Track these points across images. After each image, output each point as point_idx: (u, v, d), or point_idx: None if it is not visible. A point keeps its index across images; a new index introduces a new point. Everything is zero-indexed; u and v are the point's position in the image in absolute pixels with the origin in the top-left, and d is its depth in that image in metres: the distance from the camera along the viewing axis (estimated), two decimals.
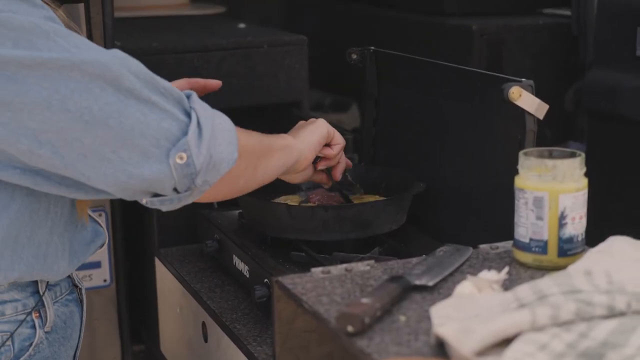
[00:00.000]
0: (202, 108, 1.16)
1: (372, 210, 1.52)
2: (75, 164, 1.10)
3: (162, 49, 2.06)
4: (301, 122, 1.47)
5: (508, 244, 1.21)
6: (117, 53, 1.12)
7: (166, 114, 1.11)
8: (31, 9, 1.10)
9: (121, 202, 1.72)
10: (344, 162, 1.53)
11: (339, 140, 1.48)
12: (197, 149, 1.13)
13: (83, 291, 1.38)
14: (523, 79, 1.33)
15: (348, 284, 1.10)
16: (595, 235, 1.18)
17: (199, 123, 1.14)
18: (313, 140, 1.41)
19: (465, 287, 1.03)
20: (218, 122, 1.17)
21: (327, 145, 1.47)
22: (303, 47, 2.17)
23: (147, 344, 2.03)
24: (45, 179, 1.14)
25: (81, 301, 1.36)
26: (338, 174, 1.52)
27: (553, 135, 2.19)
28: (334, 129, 1.48)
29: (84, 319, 1.36)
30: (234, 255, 1.53)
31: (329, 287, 1.09)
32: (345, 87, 2.73)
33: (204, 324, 1.51)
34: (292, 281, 1.11)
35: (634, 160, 2.01)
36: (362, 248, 1.50)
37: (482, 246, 1.22)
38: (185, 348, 1.66)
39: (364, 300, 1.00)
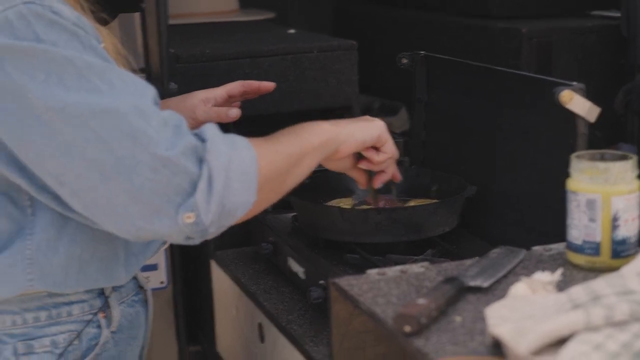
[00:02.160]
0: (216, 155, 1.14)
1: (424, 213, 1.55)
2: (91, 209, 1.14)
3: (214, 56, 2.09)
4: (366, 117, 1.45)
5: (561, 246, 1.23)
6: (143, 102, 1.13)
7: (178, 169, 1.11)
8: (71, 41, 1.13)
9: None
10: (389, 173, 1.49)
11: (389, 150, 1.43)
12: (206, 205, 1.12)
13: (148, 292, 1.42)
14: (574, 82, 1.34)
15: (404, 285, 1.13)
16: None
17: (210, 177, 1.13)
18: (357, 137, 1.37)
19: (520, 289, 1.05)
20: (235, 167, 1.15)
21: (376, 149, 1.44)
22: (352, 52, 2.19)
23: (203, 344, 2.07)
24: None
25: (146, 302, 1.40)
26: (378, 182, 1.49)
27: (603, 137, 2.19)
28: (389, 137, 1.44)
29: (150, 319, 1.40)
30: (288, 258, 1.57)
31: (385, 288, 1.12)
32: (394, 91, 2.74)
33: (260, 325, 1.55)
34: (349, 283, 1.14)
35: None
36: (414, 250, 1.52)
37: (535, 248, 1.24)
38: (241, 348, 1.69)
39: (420, 301, 1.02)
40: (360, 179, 1.49)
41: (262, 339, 1.55)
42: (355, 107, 2.23)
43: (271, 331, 1.50)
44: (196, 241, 1.17)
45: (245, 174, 1.16)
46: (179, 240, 1.16)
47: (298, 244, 1.58)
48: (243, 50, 2.13)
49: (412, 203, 1.67)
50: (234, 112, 1.57)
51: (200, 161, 1.13)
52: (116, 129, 1.10)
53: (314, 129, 1.32)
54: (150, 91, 1.16)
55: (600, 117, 1.39)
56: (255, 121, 2.20)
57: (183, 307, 2.06)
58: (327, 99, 2.19)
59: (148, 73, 1.92)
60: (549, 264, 1.19)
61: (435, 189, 1.70)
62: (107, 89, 1.11)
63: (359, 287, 1.12)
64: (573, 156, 1.17)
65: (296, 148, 1.28)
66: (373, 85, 2.77)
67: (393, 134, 2.05)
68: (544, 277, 1.08)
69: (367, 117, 1.45)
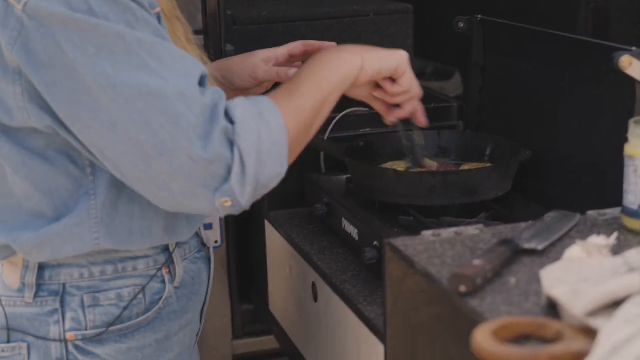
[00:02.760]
0: (246, 136, 1.15)
1: (479, 176, 1.55)
2: (133, 182, 1.17)
3: (271, 18, 2.11)
4: (389, 50, 1.41)
5: (616, 211, 1.23)
6: (189, 84, 1.15)
7: (215, 157, 1.13)
8: (123, 13, 1.14)
9: None
10: (406, 110, 1.45)
11: (405, 83, 1.39)
12: (241, 188, 1.15)
13: (211, 250, 1.45)
14: (634, 48, 1.33)
15: (458, 246, 1.14)
16: None
17: (242, 160, 1.15)
18: (374, 65, 1.34)
19: (575, 252, 1.06)
20: (265, 140, 1.17)
21: (393, 80, 1.40)
22: (408, 16, 2.19)
23: (256, 303, 2.10)
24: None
25: (209, 259, 1.43)
26: (391, 115, 1.46)
27: None
28: (408, 69, 1.40)
29: (212, 276, 1.43)
30: (343, 219, 1.58)
31: (440, 250, 1.13)
32: (448, 56, 2.73)
33: (313, 284, 1.57)
34: (404, 243, 1.15)
35: None
36: (468, 213, 1.53)
37: (590, 212, 1.24)
38: (294, 307, 1.72)
39: (476, 262, 1.03)
40: (379, 109, 1.47)
41: (315, 298, 1.58)
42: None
43: (325, 291, 1.52)
44: (235, 213, 1.21)
45: (276, 144, 1.18)
46: (219, 215, 1.21)
47: (352, 206, 1.60)
48: (300, 12, 2.14)
49: (465, 167, 1.68)
50: (294, 72, 1.58)
51: (232, 144, 1.15)
52: (161, 112, 1.12)
53: (332, 63, 1.32)
54: (197, 70, 1.17)
55: None
56: None
57: (236, 266, 2.09)
58: None
59: (205, 34, 1.94)
60: (604, 228, 1.19)
61: (489, 153, 1.70)
62: (156, 65, 1.13)
63: (414, 247, 1.13)
64: (631, 121, 1.17)
65: (318, 94, 1.28)
66: (427, 50, 2.77)
67: (448, 97, 2.06)
68: (599, 240, 1.08)
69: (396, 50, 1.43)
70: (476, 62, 1.80)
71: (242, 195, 1.16)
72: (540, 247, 1.12)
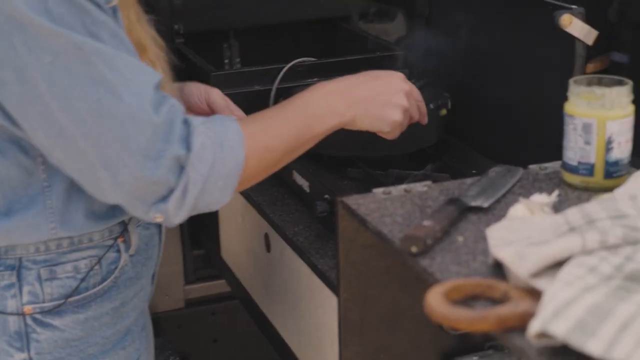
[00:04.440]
0: (198, 166, 1.14)
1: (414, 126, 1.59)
2: (77, 179, 1.19)
3: None
4: (389, 76, 1.35)
5: (556, 165, 1.29)
6: (143, 103, 1.12)
7: (159, 180, 1.13)
8: (79, 15, 1.11)
9: None
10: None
11: (414, 114, 1.39)
12: (176, 211, 1.16)
13: None
14: (574, 6, 1.38)
15: (408, 204, 1.18)
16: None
17: (185, 189, 1.15)
18: (364, 125, 1.31)
19: (518, 210, 1.11)
20: (217, 172, 1.16)
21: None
22: None
23: (207, 248, 2.14)
24: None
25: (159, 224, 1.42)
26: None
27: (596, 46, 2.22)
28: (402, 128, 1.35)
29: (163, 238, 1.44)
30: (293, 171, 1.62)
31: (391, 208, 1.17)
32: None
33: (266, 235, 1.62)
34: (356, 202, 1.19)
35: None
36: (415, 165, 1.58)
37: (531, 167, 1.29)
38: (247, 256, 1.77)
39: (426, 222, 1.08)
40: None
41: (268, 248, 1.62)
42: (355, 17, 2.25)
43: (277, 242, 1.57)
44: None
45: (226, 178, 1.18)
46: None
47: (302, 158, 1.63)
48: None
49: None
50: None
51: (181, 171, 1.14)
52: (110, 131, 1.12)
53: (323, 113, 1.27)
54: (153, 81, 1.15)
55: (594, 25, 1.43)
56: (254, 32, 2.23)
57: None
58: (326, 8, 2.21)
59: (154, 13, 1.93)
60: (545, 183, 1.25)
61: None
62: (113, 79, 1.11)
63: (365, 206, 1.18)
64: (571, 81, 1.22)
65: (295, 140, 1.25)
66: None
67: (390, 45, 2.08)
68: (541, 198, 1.14)
69: (391, 76, 1.36)
70: (420, 11, 1.83)
71: (175, 216, 1.17)
72: (485, 204, 1.17)
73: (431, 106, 1.67)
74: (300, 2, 2.19)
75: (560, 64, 1.44)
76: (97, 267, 1.31)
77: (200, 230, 2.12)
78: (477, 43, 1.69)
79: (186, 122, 1.16)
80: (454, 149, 1.65)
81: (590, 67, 2.44)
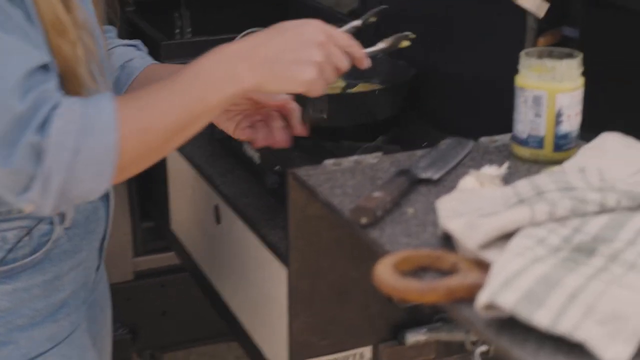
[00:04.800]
0: (58, 153, 1.04)
1: (368, 98, 1.58)
2: None
3: None
4: (302, 26, 1.18)
5: (506, 138, 1.29)
6: (3, 88, 1.03)
7: (14, 168, 1.04)
8: None
9: None
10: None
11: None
12: (42, 201, 1.07)
13: (110, 187, 1.40)
14: None
15: (358, 175, 1.18)
16: (589, 120, 1.25)
17: (46, 179, 1.05)
18: (272, 89, 1.17)
19: (468, 182, 1.12)
20: (84, 159, 1.06)
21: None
22: None
23: (156, 220, 2.12)
24: None
25: (107, 196, 1.38)
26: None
27: (547, 20, 2.23)
28: (319, 88, 1.19)
29: (111, 211, 1.39)
30: (243, 142, 1.61)
31: (341, 179, 1.17)
32: None
33: (216, 207, 1.60)
34: (307, 173, 1.19)
35: (627, 47, 2.06)
36: (367, 135, 1.58)
37: (482, 139, 1.30)
38: (197, 228, 1.75)
39: (376, 194, 1.08)
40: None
41: (218, 220, 1.61)
42: None
43: (227, 213, 1.56)
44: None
45: (97, 164, 1.08)
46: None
47: None
48: None
49: (359, 88, 1.72)
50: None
51: (39, 159, 1.05)
52: None
53: (218, 80, 1.13)
54: (26, 65, 1.06)
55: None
56: (206, 1, 2.20)
57: (137, 184, 2.10)
58: None
59: None
60: (495, 155, 1.25)
61: (381, 73, 1.73)
62: None
63: (316, 177, 1.17)
64: (522, 53, 1.22)
65: (183, 116, 1.12)
66: None
67: (343, 16, 2.08)
68: (491, 170, 1.14)
69: (303, 27, 1.18)
70: None
71: (43, 205, 1.09)
72: (435, 176, 1.17)
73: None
74: None
75: (512, 36, 1.44)
76: (26, 238, 1.25)
77: (150, 202, 2.10)
78: (429, 15, 1.69)
79: (54, 107, 1.06)
80: (407, 121, 1.65)
81: (542, 41, 2.45)
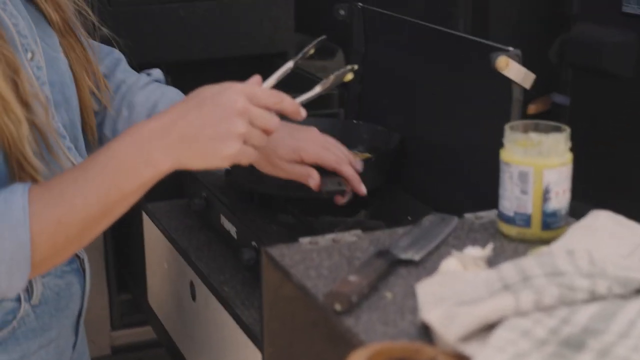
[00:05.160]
0: None
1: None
2: None
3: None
4: (204, 97, 1.11)
5: (492, 214, 1.24)
6: None
7: None
8: None
9: None
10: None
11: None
12: None
13: (85, 260, 1.33)
14: (510, 48, 1.33)
15: (335, 256, 1.12)
16: (578, 189, 1.20)
17: None
18: (194, 166, 1.11)
19: (451, 264, 1.06)
20: None
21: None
22: None
23: (134, 293, 2.06)
24: None
25: (83, 270, 1.32)
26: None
27: (537, 87, 2.21)
28: (247, 158, 1.13)
29: (87, 287, 1.32)
30: (221, 215, 1.55)
31: (317, 259, 1.11)
32: (331, 32, 2.71)
33: (191, 282, 1.54)
34: (280, 252, 1.13)
35: (616, 114, 2.03)
36: (349, 211, 1.52)
37: (467, 216, 1.24)
38: (173, 304, 1.69)
39: (352, 278, 1.02)
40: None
41: (193, 297, 1.55)
42: (290, 54, 2.20)
43: (202, 291, 1.49)
44: None
45: (10, 263, 1.03)
46: None
47: (231, 201, 1.56)
48: None
49: None
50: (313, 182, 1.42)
51: None
52: None
53: (133, 167, 1.06)
54: None
55: (535, 66, 1.39)
56: (190, 67, 2.17)
57: (114, 255, 2.04)
58: (263, 44, 2.16)
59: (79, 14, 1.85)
60: (481, 233, 1.19)
61: (366, 142, 1.68)
62: None
63: (290, 257, 1.12)
64: (507, 127, 1.17)
65: (100, 203, 1.06)
66: (309, 25, 2.74)
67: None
68: (475, 252, 1.08)
69: (220, 96, 1.10)
70: (357, 49, 1.78)
71: None
72: (416, 257, 1.11)
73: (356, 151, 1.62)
74: (235, 37, 2.13)
75: (498, 107, 1.39)
76: None
77: (127, 274, 2.04)
78: (412, 84, 1.64)
79: None
80: (389, 194, 1.59)
81: (532, 108, 2.42)
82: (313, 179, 1.40)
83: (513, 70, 1.32)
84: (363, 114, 1.80)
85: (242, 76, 2.24)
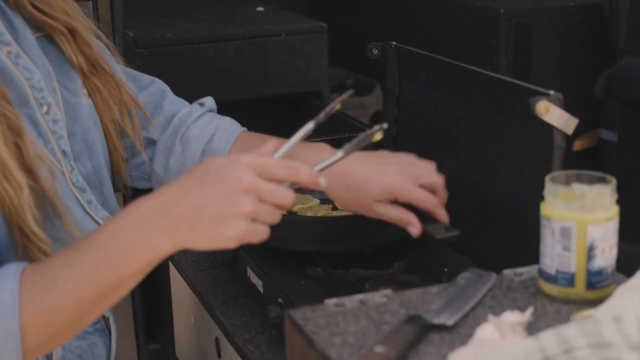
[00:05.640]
0: None
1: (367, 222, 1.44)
2: None
3: (176, 40, 1.99)
4: (206, 174, 1.03)
5: (532, 270, 1.15)
6: None
7: None
8: None
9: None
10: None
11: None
12: None
13: (111, 320, 1.28)
14: (552, 91, 1.25)
15: (362, 319, 1.04)
16: (626, 231, 1.11)
17: None
18: (198, 247, 1.04)
19: (487, 331, 0.97)
20: None
21: None
22: (323, 35, 2.10)
23: (162, 343, 1.99)
24: None
25: (109, 330, 1.27)
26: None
27: (583, 122, 2.12)
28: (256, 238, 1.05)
29: (114, 347, 1.27)
30: (248, 268, 1.48)
31: (343, 324, 1.03)
32: (368, 67, 2.65)
33: (217, 339, 1.46)
34: (304, 317, 1.05)
35: None
36: (381, 262, 1.43)
37: (505, 272, 1.15)
38: (199, 358, 1.61)
39: (378, 349, 0.94)
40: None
41: (219, 353, 1.47)
42: (325, 92, 2.13)
43: (227, 349, 1.41)
44: None
45: (0, 352, 0.98)
46: None
47: (258, 253, 1.48)
48: (206, 33, 2.03)
49: (314, 202, 1.59)
50: (414, 230, 1.32)
51: None
52: None
53: (132, 249, 1.00)
54: None
55: (582, 101, 1.30)
56: (221, 110, 2.11)
57: (142, 305, 1.98)
58: (296, 84, 2.10)
59: None
60: (521, 292, 1.11)
61: None
62: None
63: (314, 321, 1.04)
64: (547, 178, 1.09)
65: (96, 288, 1.00)
66: (347, 60, 2.67)
67: (362, 124, 1.96)
68: (513, 317, 1.00)
69: (223, 173, 1.02)
70: (390, 90, 1.71)
71: None
72: (450, 322, 1.03)
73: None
74: (267, 77, 2.08)
75: (538, 154, 1.30)
76: None
77: (156, 323, 1.97)
78: (447, 127, 1.56)
79: None
80: (423, 242, 1.50)
81: (578, 144, 2.33)
82: (415, 228, 1.31)
83: (554, 115, 1.23)
84: None
85: (275, 117, 2.19)
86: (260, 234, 1.04)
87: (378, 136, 1.13)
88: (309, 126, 1.13)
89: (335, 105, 1.16)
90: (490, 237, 1.43)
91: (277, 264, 1.45)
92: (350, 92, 1.19)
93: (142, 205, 1.03)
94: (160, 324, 1.93)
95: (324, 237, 1.43)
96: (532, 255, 1.32)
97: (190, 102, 1.96)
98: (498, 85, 1.41)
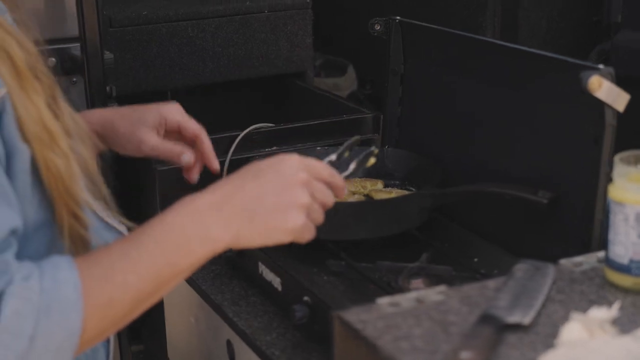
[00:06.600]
0: (8, 340, 0.88)
1: (409, 204, 1.36)
2: None
3: (153, 18, 1.86)
4: (260, 168, 1.03)
5: (591, 259, 1.07)
6: None
7: None
8: None
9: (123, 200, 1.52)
10: None
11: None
12: None
13: None
14: (601, 65, 1.16)
15: (425, 320, 0.94)
16: None
17: None
18: (252, 243, 1.01)
19: (574, 330, 0.88)
20: (40, 346, 0.89)
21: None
22: (307, 12, 1.98)
23: (147, 344, 1.86)
24: None
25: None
26: None
27: None
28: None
29: (112, 351, 1.19)
30: (260, 263, 1.35)
31: (404, 327, 0.93)
32: (339, 48, 2.54)
33: (229, 342, 1.33)
34: (359, 318, 0.94)
35: None
36: (406, 253, 1.33)
37: (562, 262, 1.07)
38: None
39: (465, 355, 0.84)
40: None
41: (232, 357, 1.34)
42: (309, 73, 2.02)
43: (244, 352, 1.29)
44: None
45: (57, 351, 0.91)
46: None
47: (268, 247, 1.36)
48: (185, 11, 1.90)
49: (379, 185, 1.49)
50: (188, 158, 1.32)
51: None
52: None
53: (190, 243, 0.98)
54: None
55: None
56: (201, 91, 1.99)
57: None
58: (279, 64, 1.98)
59: (83, 42, 1.65)
60: (586, 285, 1.02)
61: (406, 172, 1.51)
62: None
63: (372, 324, 0.93)
64: (616, 158, 1.00)
65: (152, 281, 0.96)
66: (316, 42, 2.56)
67: (359, 108, 1.84)
68: (600, 314, 0.91)
69: (278, 166, 1.03)
70: (394, 69, 1.60)
71: None
72: (526, 320, 0.93)
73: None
74: (249, 57, 1.95)
75: (583, 134, 1.21)
76: None
77: (141, 322, 1.83)
78: (463, 109, 1.46)
79: (8, 283, 0.89)
80: (443, 230, 1.40)
81: None
82: (187, 156, 1.31)
83: (606, 91, 1.14)
84: (402, 141, 1.61)
85: (258, 99, 2.07)
86: (310, 232, 1.04)
87: (372, 161, 1.19)
88: (332, 157, 1.15)
89: (345, 151, 1.18)
90: (520, 223, 1.34)
91: (292, 257, 1.33)
92: (357, 137, 1.22)
93: (198, 199, 1.00)
94: (145, 324, 1.79)
95: (342, 225, 1.31)
96: (575, 241, 1.23)
97: (168, 85, 1.84)
98: (524, 57, 1.31)
